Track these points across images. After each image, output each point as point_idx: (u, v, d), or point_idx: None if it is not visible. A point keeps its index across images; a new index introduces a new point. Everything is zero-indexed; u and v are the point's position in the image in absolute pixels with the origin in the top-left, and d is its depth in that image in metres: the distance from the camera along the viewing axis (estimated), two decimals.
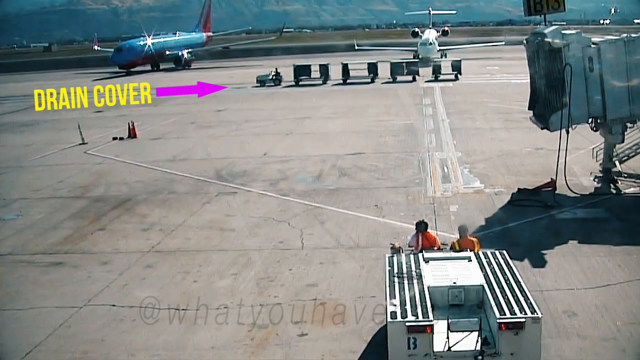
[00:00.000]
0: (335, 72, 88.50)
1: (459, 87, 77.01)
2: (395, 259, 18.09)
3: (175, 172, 39.81)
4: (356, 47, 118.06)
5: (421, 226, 20.19)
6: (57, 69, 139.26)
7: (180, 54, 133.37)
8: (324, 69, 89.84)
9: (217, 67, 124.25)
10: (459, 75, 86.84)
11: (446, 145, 44.04)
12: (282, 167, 39.79)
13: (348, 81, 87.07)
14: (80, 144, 50.81)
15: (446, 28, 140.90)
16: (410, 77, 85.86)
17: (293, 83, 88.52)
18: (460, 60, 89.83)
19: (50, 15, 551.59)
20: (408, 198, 32.07)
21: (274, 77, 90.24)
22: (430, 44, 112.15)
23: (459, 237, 20.27)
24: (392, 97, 69.26)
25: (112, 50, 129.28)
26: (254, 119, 59.18)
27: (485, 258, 17.72)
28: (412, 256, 18.23)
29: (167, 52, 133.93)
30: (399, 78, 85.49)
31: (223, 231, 28.52)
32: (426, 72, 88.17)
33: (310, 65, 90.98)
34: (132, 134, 53.09)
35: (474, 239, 19.86)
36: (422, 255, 18.15)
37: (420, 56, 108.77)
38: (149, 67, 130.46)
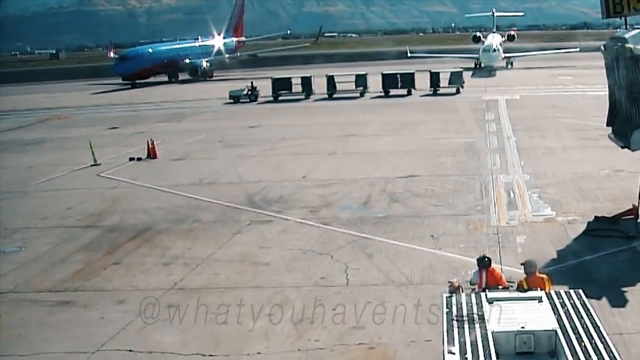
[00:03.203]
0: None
1: (527, 100, 76.63)
2: (454, 299, 17.95)
3: (201, 198, 40.01)
4: (409, 55, 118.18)
5: (484, 262, 20.02)
6: (65, 79, 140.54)
7: (197, 62, 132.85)
8: (307, 82, 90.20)
9: (243, 78, 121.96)
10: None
11: (512, 167, 43.87)
12: (323, 192, 39.87)
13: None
14: (92, 165, 51.13)
15: (512, 32, 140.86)
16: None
17: (271, 98, 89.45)
18: (461, 72, 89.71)
19: (57, 17, 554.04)
20: (468, 227, 31.97)
21: (249, 93, 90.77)
22: (494, 50, 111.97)
23: (525, 274, 20.04)
24: (450, 112, 68.99)
25: None
26: (292, 136, 59.39)
27: (559, 298, 17.49)
28: (473, 296, 18.08)
29: (187, 61, 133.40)
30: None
31: (256, 265, 28.53)
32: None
33: (290, 79, 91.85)
34: (151, 154, 53.43)
35: (544, 276, 19.63)
36: (485, 295, 18.01)
37: (482, 64, 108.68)
38: (165, 78, 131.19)
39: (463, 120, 62.72)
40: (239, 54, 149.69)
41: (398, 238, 30.92)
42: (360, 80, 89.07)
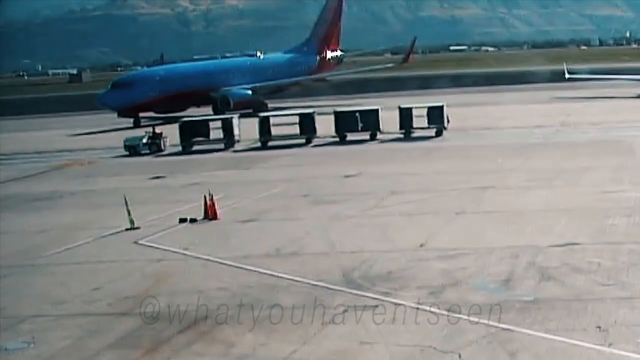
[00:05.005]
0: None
1: None
2: None
3: (279, 274, 40.24)
4: (567, 76, 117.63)
5: None
6: (90, 110, 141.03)
7: (232, 91, 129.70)
8: (227, 126, 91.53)
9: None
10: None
11: None
12: (448, 266, 39.98)
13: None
14: (127, 230, 51.62)
15: None
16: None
17: (180, 149, 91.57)
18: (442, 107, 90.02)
19: (79, 24, 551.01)
20: None
21: (149, 142, 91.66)
22: None
23: None
24: (623, 156, 68.77)
25: None
26: (404, 189, 59.75)
27: None
28: None
29: (227, 88, 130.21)
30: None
31: None
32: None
33: (207, 122, 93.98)
34: (210, 214, 53.83)
35: None
36: None
37: None
38: (206, 111, 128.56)
39: None
40: (323, 74, 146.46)
41: (552, 330, 30.78)
42: (306, 123, 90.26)
